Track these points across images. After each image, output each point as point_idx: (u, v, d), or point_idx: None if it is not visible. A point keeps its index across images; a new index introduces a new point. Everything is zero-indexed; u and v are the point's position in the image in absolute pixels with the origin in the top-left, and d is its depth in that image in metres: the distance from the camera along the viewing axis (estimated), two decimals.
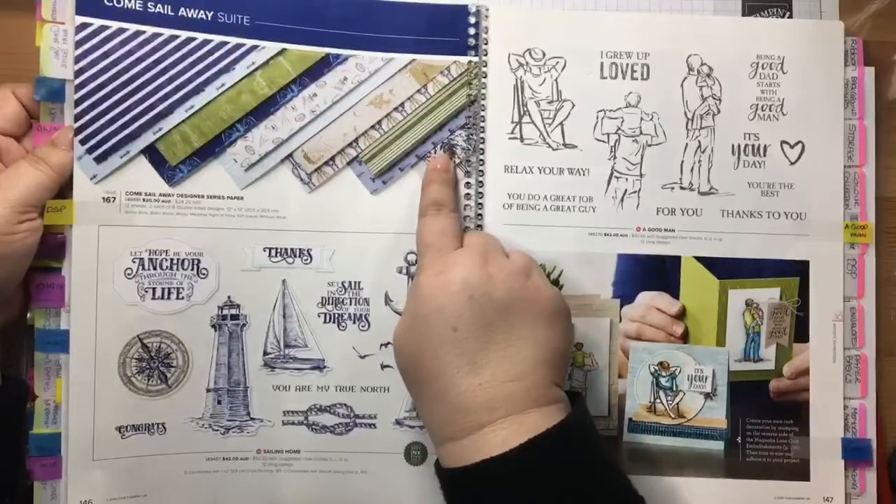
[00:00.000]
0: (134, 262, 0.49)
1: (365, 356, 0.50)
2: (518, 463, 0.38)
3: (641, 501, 0.40)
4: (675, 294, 0.51)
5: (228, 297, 0.50)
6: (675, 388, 0.51)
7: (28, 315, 0.48)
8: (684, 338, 0.51)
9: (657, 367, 0.51)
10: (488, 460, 0.38)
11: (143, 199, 0.49)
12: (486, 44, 0.51)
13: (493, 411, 0.40)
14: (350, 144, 0.51)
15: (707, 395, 0.51)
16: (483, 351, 0.41)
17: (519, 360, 0.41)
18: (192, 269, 0.49)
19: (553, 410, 0.40)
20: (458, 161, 0.51)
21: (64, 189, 0.47)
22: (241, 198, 0.50)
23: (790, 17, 0.53)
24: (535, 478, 0.38)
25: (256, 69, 0.50)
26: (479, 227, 0.51)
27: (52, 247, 0.47)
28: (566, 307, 0.44)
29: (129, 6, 0.48)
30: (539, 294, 0.43)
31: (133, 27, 0.48)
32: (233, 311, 0.50)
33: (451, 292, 0.41)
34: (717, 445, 0.51)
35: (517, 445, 0.38)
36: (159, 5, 0.49)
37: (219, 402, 0.50)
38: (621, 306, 0.51)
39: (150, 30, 0.49)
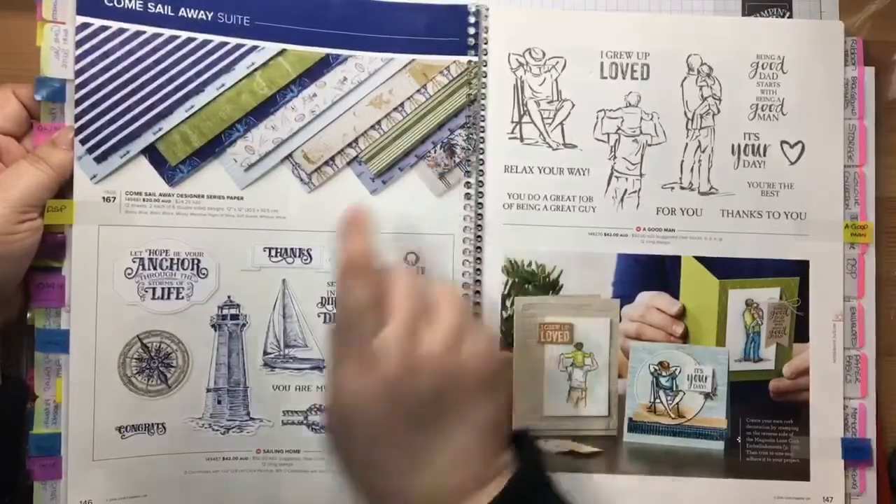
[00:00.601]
0: (134, 261, 0.49)
1: None
2: None
3: None
4: (675, 294, 0.51)
5: (228, 297, 0.50)
6: (675, 388, 0.51)
7: (28, 315, 0.48)
8: (684, 338, 0.51)
9: (657, 367, 0.51)
10: None
11: (143, 199, 0.49)
12: (485, 44, 0.51)
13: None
14: (350, 144, 0.51)
15: (707, 395, 0.51)
16: (421, 450, 0.38)
17: (460, 447, 0.38)
18: (192, 269, 0.49)
19: (502, 481, 0.38)
20: (458, 160, 0.51)
21: (64, 189, 0.47)
22: (241, 198, 0.50)
23: (790, 17, 0.53)
24: None
25: (256, 69, 0.50)
26: (479, 226, 0.51)
27: (52, 246, 0.47)
28: (501, 358, 0.41)
29: (130, 6, 0.48)
30: (471, 364, 0.39)
31: (133, 27, 0.48)
32: (233, 311, 0.50)
33: (375, 398, 0.37)
34: (717, 445, 0.51)
35: None
36: (159, 5, 0.49)
37: (219, 402, 0.50)
38: (621, 306, 0.51)
39: (150, 30, 0.49)
